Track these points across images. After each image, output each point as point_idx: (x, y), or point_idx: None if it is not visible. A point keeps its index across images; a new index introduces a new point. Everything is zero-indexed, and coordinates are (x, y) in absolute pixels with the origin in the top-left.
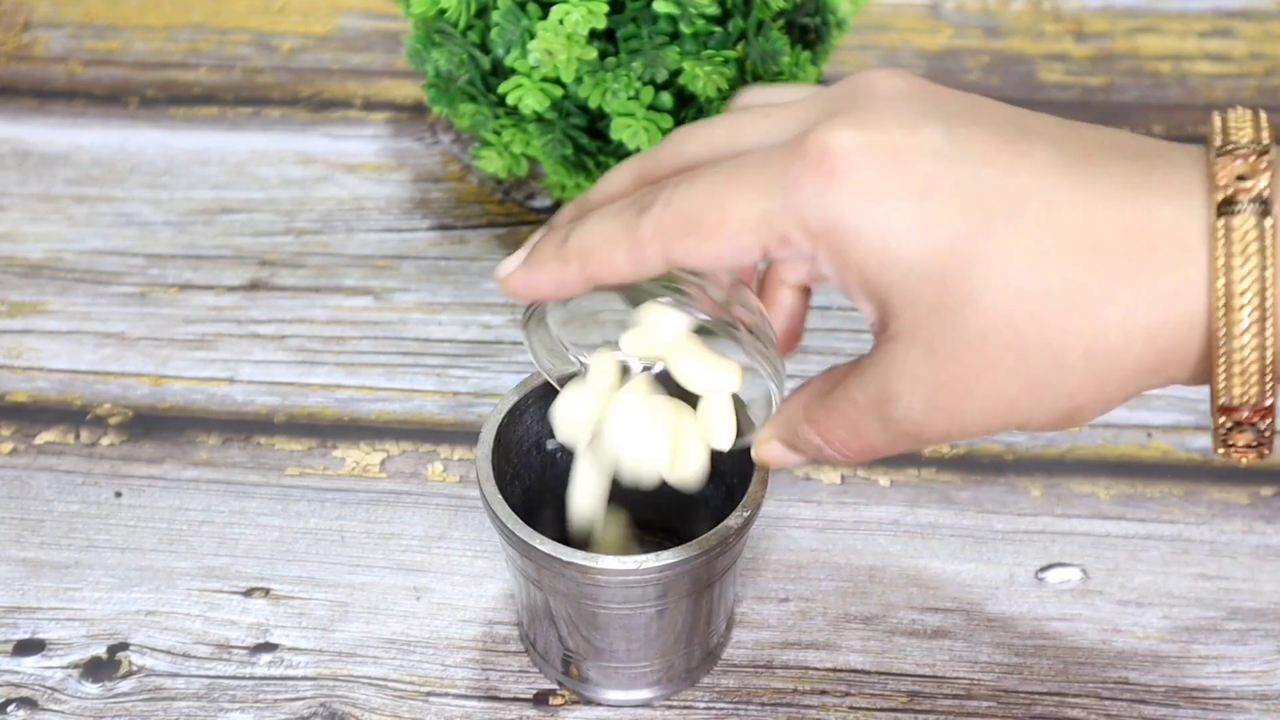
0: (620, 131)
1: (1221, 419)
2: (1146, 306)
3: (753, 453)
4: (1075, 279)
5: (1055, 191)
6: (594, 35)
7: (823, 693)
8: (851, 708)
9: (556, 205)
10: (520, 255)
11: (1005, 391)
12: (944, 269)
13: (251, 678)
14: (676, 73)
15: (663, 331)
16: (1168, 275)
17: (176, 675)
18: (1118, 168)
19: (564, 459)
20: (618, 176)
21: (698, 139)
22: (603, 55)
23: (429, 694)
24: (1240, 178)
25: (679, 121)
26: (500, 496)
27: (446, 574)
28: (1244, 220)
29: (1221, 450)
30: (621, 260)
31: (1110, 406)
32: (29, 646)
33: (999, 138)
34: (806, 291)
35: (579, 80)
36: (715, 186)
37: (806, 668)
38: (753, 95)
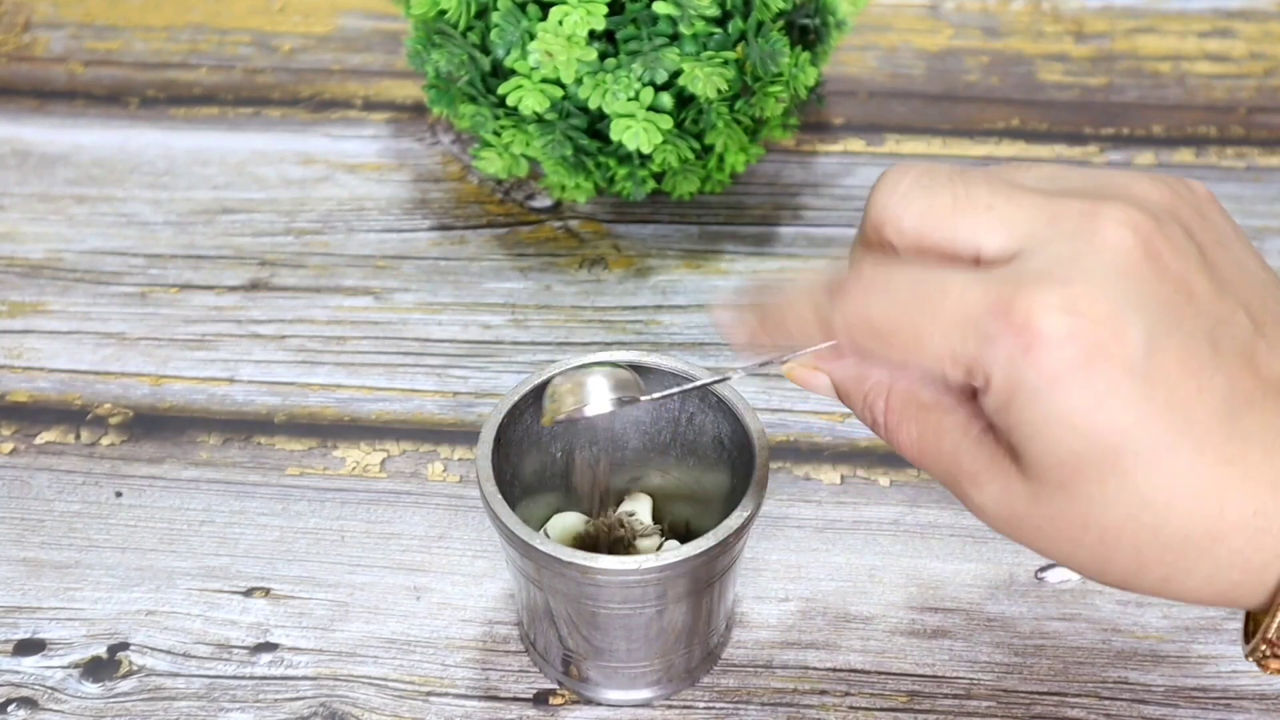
0: (620, 133)
1: (1263, 647)
2: (1239, 562)
3: (788, 369)
4: (1200, 505)
5: (1206, 437)
6: (593, 36)
7: (823, 693)
8: (851, 708)
9: (556, 205)
10: (734, 302)
11: (1095, 525)
12: (1101, 453)
13: (251, 678)
14: (676, 74)
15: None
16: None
17: (177, 675)
18: (1272, 423)
19: (564, 459)
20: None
21: (916, 209)
22: (602, 56)
23: (429, 694)
24: None
25: (679, 123)
26: (500, 496)
27: (446, 574)
28: None
29: (1251, 659)
30: (813, 335)
31: (1177, 596)
32: (29, 646)
33: (1187, 361)
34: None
35: (579, 81)
36: (911, 308)
37: (806, 668)
38: (1008, 171)
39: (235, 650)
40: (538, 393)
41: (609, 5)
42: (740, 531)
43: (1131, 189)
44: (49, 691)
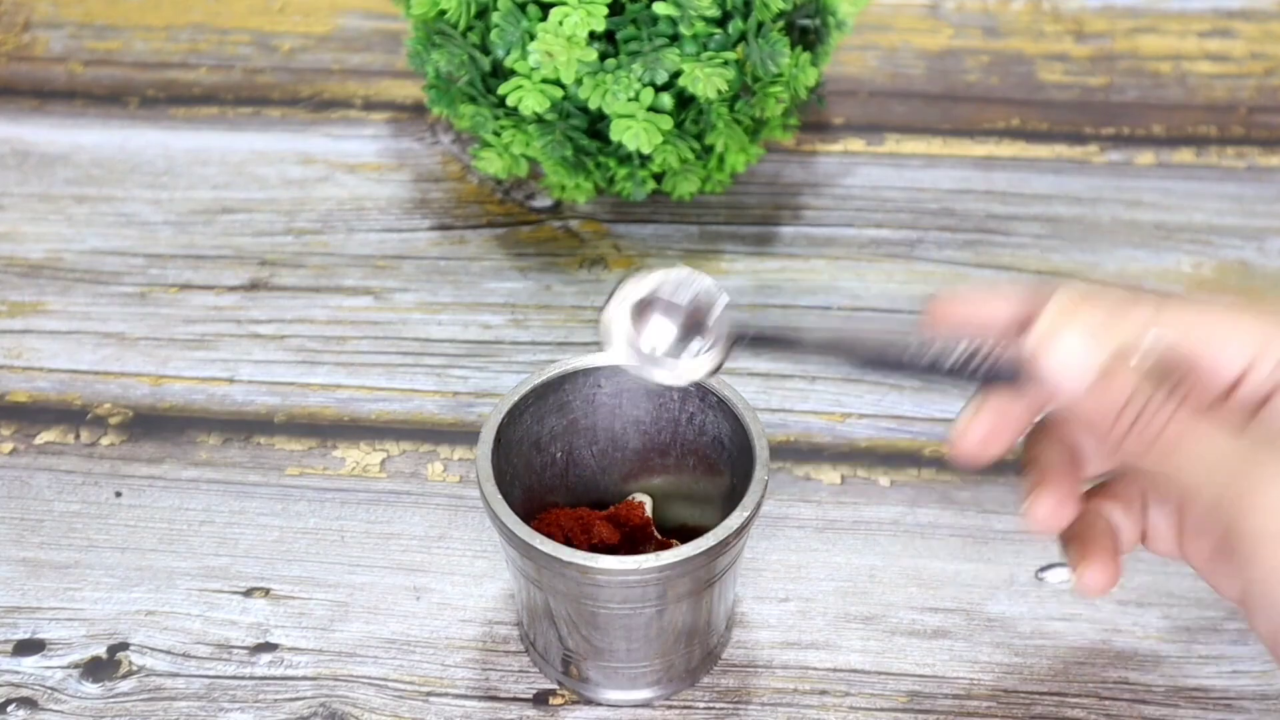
0: (620, 133)
1: None
2: None
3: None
4: None
5: None
6: (594, 37)
7: (823, 693)
8: (851, 708)
9: (556, 205)
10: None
11: None
12: None
13: (251, 678)
14: (676, 74)
15: None
16: None
17: (176, 675)
18: None
19: (564, 458)
20: None
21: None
22: (603, 57)
23: (429, 694)
24: None
25: (679, 124)
26: (500, 496)
27: (446, 574)
28: None
29: None
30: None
31: None
32: (29, 646)
33: None
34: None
35: (579, 82)
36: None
37: (806, 668)
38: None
39: (235, 650)
40: (538, 393)
41: (609, 6)
42: (740, 531)
43: None
44: (49, 691)
